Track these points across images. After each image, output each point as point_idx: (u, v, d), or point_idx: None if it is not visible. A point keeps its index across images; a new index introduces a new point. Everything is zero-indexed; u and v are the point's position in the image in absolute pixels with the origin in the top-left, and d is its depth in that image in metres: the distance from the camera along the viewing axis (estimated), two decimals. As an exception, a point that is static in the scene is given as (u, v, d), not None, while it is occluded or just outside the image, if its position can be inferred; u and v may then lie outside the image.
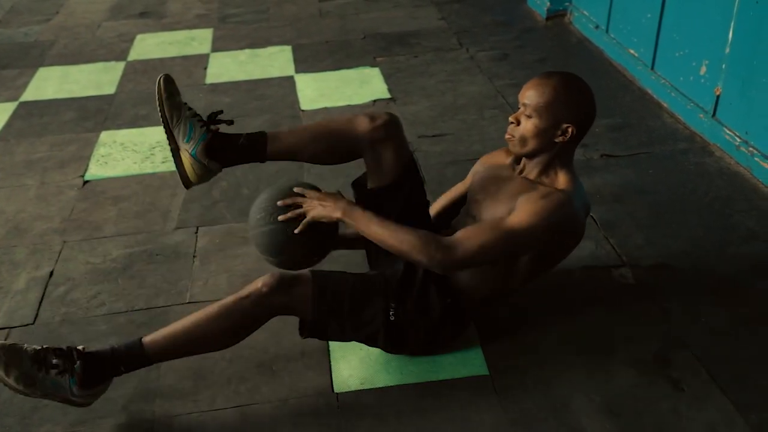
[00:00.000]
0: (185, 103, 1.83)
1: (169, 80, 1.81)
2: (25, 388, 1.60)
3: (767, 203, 2.43)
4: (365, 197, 1.87)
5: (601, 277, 2.13)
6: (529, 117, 1.71)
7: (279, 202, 1.77)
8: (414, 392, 1.77)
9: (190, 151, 1.80)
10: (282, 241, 1.77)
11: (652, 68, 3.27)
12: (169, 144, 1.82)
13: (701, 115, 2.89)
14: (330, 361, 1.86)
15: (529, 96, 1.70)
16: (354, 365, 1.85)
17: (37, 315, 2.06)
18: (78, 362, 1.63)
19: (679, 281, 2.09)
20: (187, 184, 1.84)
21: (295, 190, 1.79)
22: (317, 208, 1.73)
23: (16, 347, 1.62)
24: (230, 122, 1.88)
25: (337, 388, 1.78)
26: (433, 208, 2.05)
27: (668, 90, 3.11)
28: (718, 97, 2.79)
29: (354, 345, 1.90)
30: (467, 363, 1.84)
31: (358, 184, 1.93)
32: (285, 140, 1.85)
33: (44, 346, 1.64)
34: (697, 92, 2.93)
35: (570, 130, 1.70)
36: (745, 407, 1.67)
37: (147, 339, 1.68)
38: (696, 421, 1.64)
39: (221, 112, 1.89)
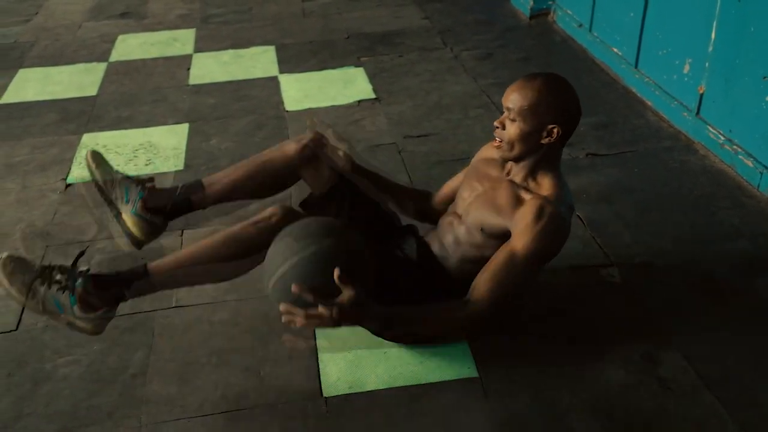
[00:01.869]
0: (116, 170, 1.91)
1: (95, 154, 1.90)
2: (27, 300, 1.62)
3: (751, 201, 2.45)
4: (312, 205, 1.92)
5: (588, 276, 2.13)
6: (513, 121, 1.71)
7: (282, 308, 1.51)
8: (403, 395, 1.76)
9: (131, 210, 1.86)
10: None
11: (636, 67, 3.28)
12: (111, 211, 1.89)
13: (685, 114, 2.90)
14: (318, 365, 1.85)
15: (513, 99, 1.70)
16: (342, 368, 1.84)
17: (20, 321, 2.03)
18: (79, 280, 1.64)
19: (667, 280, 2.10)
20: (138, 243, 1.90)
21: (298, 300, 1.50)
22: (342, 322, 1.53)
23: (24, 260, 1.65)
24: (152, 180, 1.96)
25: (325, 392, 1.77)
26: (438, 195, 2.07)
27: (652, 88, 3.13)
28: (701, 95, 2.81)
29: (342, 348, 1.89)
30: (456, 365, 1.83)
31: (305, 204, 1.96)
32: (221, 183, 1.92)
33: (52, 263, 1.68)
34: (680, 91, 2.95)
35: (555, 131, 1.70)
36: (734, 406, 1.67)
37: (152, 265, 1.71)
38: (685, 420, 1.65)
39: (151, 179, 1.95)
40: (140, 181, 1.89)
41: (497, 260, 1.70)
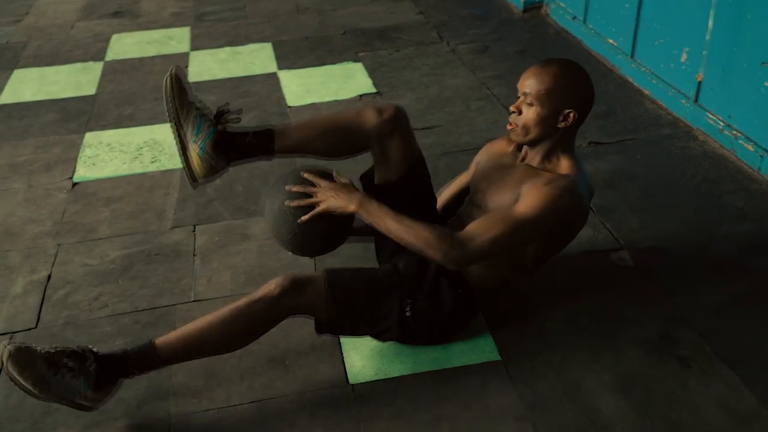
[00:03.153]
0: (193, 102, 1.81)
1: (178, 77, 1.78)
2: (39, 392, 1.57)
3: (754, 184, 2.51)
4: (373, 191, 1.86)
5: (600, 260, 2.17)
6: (530, 105, 1.73)
7: (287, 187, 1.75)
8: (428, 380, 1.78)
9: (199, 145, 1.77)
10: (296, 228, 1.76)
11: (632, 57, 3.33)
12: (178, 138, 1.79)
13: (683, 101, 2.95)
14: (342, 353, 1.87)
15: (530, 84, 1.72)
16: (366, 356, 1.86)
17: (38, 319, 2.03)
18: (93, 364, 1.61)
19: (677, 262, 2.15)
20: (195, 179, 1.82)
21: (306, 176, 1.77)
22: (330, 200, 1.72)
23: (30, 349, 1.59)
24: (238, 119, 1.85)
25: (351, 380, 1.79)
26: (440, 200, 2.07)
27: (649, 77, 3.18)
28: (699, 83, 2.86)
29: (364, 336, 1.91)
30: (478, 350, 1.86)
31: (365, 178, 1.94)
32: (292, 136, 1.84)
33: (56, 348, 1.62)
34: (678, 79, 3.00)
35: (571, 115, 1.73)
36: (751, 380, 1.72)
37: (159, 341, 1.67)
38: (705, 396, 1.69)
39: (227, 105, 1.85)
40: (214, 120, 1.80)
41: (495, 213, 1.71)
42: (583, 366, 1.79)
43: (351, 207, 1.71)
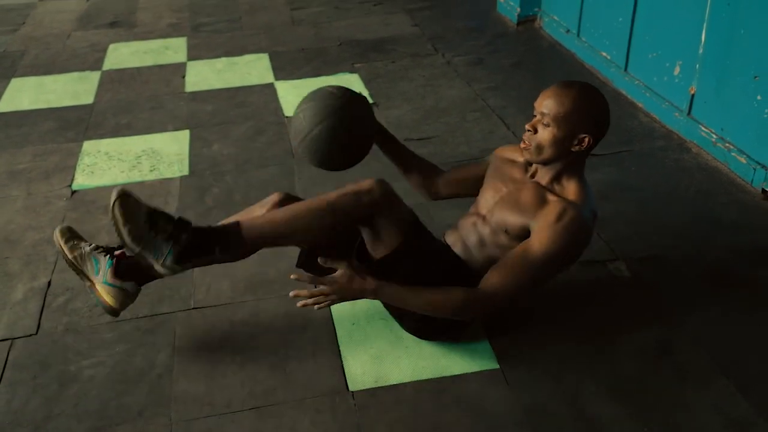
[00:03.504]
0: (84, 243, 1.90)
1: (63, 230, 1.89)
2: (131, 242, 1.64)
3: (747, 196, 2.55)
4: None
5: (597, 271, 2.20)
6: (546, 126, 1.74)
7: (292, 294, 1.68)
8: (428, 388, 1.80)
9: (102, 281, 1.85)
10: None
11: (626, 70, 3.38)
12: (85, 283, 1.89)
13: (677, 114, 3.00)
14: (342, 361, 1.88)
15: (548, 105, 1.73)
16: (366, 363, 1.87)
17: (39, 325, 2.03)
18: (185, 235, 1.67)
19: (673, 272, 2.18)
20: (113, 312, 1.88)
21: (305, 280, 1.66)
22: (342, 296, 1.68)
23: (137, 201, 1.66)
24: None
25: (352, 387, 1.80)
26: (449, 175, 2.08)
27: (643, 90, 3.22)
28: (692, 96, 2.90)
29: (363, 344, 1.93)
30: (477, 357, 1.88)
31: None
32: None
33: (156, 208, 1.69)
34: (671, 92, 3.05)
35: (586, 140, 1.74)
36: (747, 388, 1.75)
37: (245, 224, 1.73)
38: (702, 404, 1.71)
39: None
40: (108, 251, 1.88)
41: (513, 254, 1.73)
42: (580, 373, 1.82)
43: (367, 297, 1.70)
